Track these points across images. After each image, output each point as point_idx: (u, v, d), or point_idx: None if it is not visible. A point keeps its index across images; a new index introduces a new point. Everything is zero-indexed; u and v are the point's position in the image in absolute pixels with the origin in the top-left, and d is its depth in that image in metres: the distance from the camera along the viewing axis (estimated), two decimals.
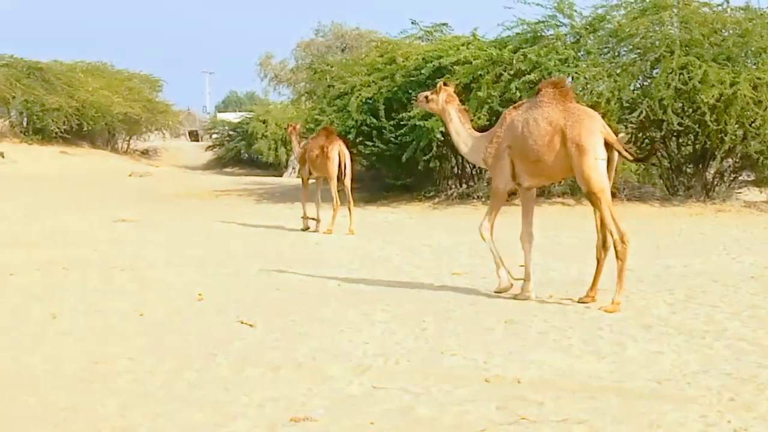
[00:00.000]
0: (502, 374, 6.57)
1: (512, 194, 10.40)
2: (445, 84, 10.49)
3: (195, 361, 7.15)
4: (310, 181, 18.07)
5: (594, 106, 20.31)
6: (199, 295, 10.03)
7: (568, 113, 9.06)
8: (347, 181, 17.19)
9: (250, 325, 8.40)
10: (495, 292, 9.93)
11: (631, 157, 9.38)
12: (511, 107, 9.90)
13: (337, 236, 16.15)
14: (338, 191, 17.32)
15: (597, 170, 8.93)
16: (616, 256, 9.11)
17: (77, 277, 11.38)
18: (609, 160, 9.05)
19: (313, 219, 17.47)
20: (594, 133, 8.93)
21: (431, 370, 6.72)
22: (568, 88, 9.51)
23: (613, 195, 20.76)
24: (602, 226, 9.34)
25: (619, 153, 9.05)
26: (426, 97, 10.49)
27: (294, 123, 20.32)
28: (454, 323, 8.39)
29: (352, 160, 17.72)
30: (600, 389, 6.16)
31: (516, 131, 9.35)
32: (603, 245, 9.43)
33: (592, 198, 9.14)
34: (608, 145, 8.99)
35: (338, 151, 16.99)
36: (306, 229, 17.39)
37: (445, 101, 10.18)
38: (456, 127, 10.13)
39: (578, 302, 9.37)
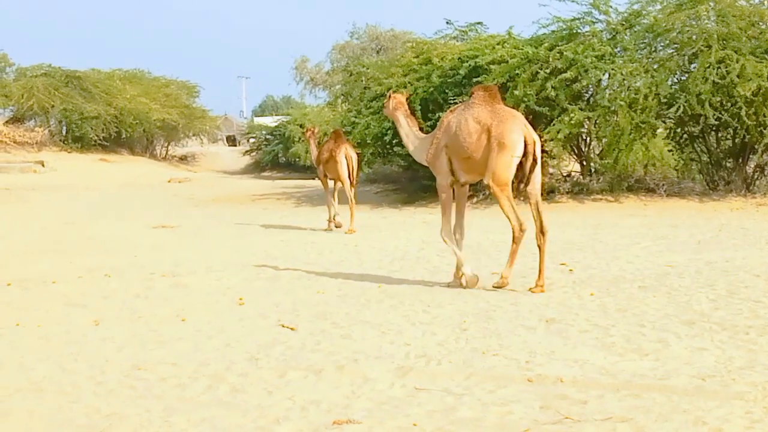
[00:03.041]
0: (544, 373, 6.54)
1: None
2: (396, 92, 11.87)
3: (237, 365, 7.17)
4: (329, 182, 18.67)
5: (632, 103, 20.37)
6: (240, 299, 10.05)
7: (494, 113, 9.95)
8: (354, 182, 17.92)
9: (292, 329, 8.42)
10: (449, 285, 10.61)
11: (535, 157, 9.89)
12: (448, 110, 10.87)
13: (376, 238, 16.15)
14: (342, 191, 18.19)
15: (508, 166, 9.81)
16: (513, 240, 10.06)
17: (119, 284, 11.44)
18: (527, 160, 9.83)
19: (331, 221, 18.23)
20: (515, 132, 9.81)
21: (473, 371, 6.70)
22: (495, 91, 10.35)
23: (653, 191, 21.05)
24: (538, 214, 10.02)
25: (533, 153, 9.82)
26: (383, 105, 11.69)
27: (311, 127, 20.93)
28: (495, 323, 8.37)
29: (359, 162, 18.57)
30: (643, 387, 6.12)
31: (451, 131, 10.26)
32: (540, 231, 10.02)
33: (494, 189, 9.97)
34: (526, 144, 9.80)
35: (344, 154, 17.68)
36: (338, 226, 18.08)
37: (393, 108, 11.38)
38: (405, 130, 11.26)
39: (529, 291, 9.98)
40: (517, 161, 9.79)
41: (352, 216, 17.57)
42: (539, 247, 9.98)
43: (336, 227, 18.03)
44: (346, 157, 17.68)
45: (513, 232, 10.01)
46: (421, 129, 11.54)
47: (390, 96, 11.60)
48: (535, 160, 9.87)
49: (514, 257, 10.11)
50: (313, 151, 19.51)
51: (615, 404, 5.77)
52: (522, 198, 10.56)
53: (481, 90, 10.36)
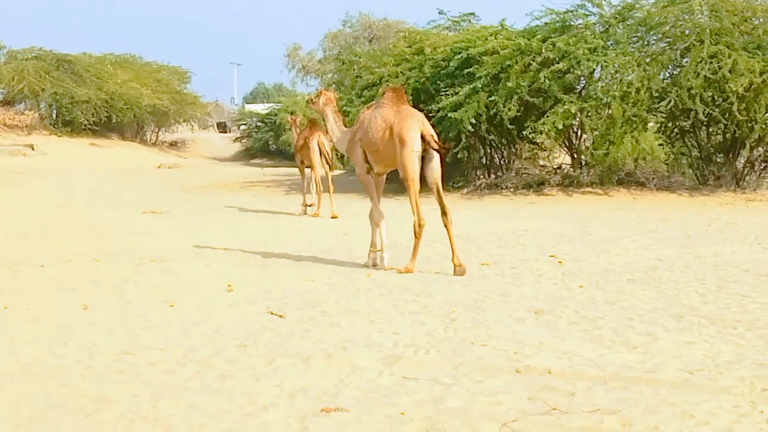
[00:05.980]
0: (532, 365, 6.55)
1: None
2: (326, 89, 13.03)
3: (226, 351, 7.17)
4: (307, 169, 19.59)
5: (624, 96, 20.38)
6: (229, 286, 10.05)
7: (397, 113, 10.90)
8: (327, 169, 19.05)
9: (280, 316, 8.42)
10: (365, 264, 11.65)
11: (435, 147, 10.75)
12: (365, 107, 11.95)
13: (366, 227, 16.11)
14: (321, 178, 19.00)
15: (412, 161, 10.72)
16: (414, 234, 11.02)
17: (108, 269, 11.43)
18: (427, 152, 10.77)
19: (310, 205, 19.24)
20: (413, 129, 10.70)
21: (462, 361, 6.71)
22: (402, 92, 11.34)
23: (643, 185, 21.08)
24: (439, 197, 10.93)
25: (429, 145, 10.69)
26: (311, 100, 13.14)
27: (294, 116, 21.95)
28: (484, 314, 8.38)
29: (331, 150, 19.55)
30: (631, 379, 6.13)
31: (363, 126, 11.30)
32: (443, 212, 10.91)
33: (405, 183, 10.86)
34: (425, 139, 10.69)
35: (317, 142, 18.67)
36: (303, 213, 19.03)
37: (323, 104, 12.39)
38: (331, 124, 12.34)
39: (456, 273, 10.69)
40: (418, 155, 10.70)
41: (332, 200, 18.42)
42: (445, 226, 10.90)
43: (304, 214, 18.92)
44: (318, 144, 18.59)
45: (414, 227, 10.98)
46: (345, 124, 12.54)
47: (321, 92, 12.72)
48: (433, 152, 10.74)
49: (417, 250, 11.05)
50: (295, 138, 20.40)
51: (603, 396, 5.79)
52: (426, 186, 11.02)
53: (390, 91, 11.31)
